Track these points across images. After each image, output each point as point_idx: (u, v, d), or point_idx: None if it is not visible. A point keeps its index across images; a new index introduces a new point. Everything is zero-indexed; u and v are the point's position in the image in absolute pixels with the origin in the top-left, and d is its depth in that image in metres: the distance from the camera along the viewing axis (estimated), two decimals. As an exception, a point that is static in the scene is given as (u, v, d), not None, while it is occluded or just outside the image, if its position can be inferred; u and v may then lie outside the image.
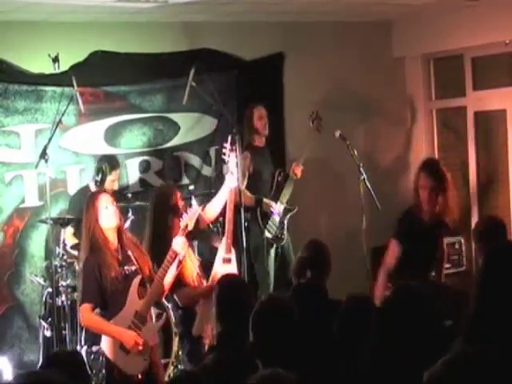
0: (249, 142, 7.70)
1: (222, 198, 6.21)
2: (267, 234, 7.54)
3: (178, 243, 5.45)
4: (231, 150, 6.13)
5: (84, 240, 5.42)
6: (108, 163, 7.25)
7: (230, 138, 6.25)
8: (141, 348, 5.29)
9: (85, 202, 5.61)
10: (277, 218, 7.56)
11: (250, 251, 7.47)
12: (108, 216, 5.40)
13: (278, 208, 7.56)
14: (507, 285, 3.66)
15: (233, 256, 6.12)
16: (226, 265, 5.96)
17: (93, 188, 7.22)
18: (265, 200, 7.55)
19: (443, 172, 6.38)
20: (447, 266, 8.49)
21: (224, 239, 6.11)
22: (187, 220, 5.51)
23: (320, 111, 8.01)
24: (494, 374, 2.23)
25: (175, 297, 5.93)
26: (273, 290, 7.48)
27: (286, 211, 7.66)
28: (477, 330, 3.33)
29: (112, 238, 5.42)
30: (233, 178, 6.08)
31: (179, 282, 5.80)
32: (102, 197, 5.46)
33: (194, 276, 5.97)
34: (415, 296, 3.11)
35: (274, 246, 7.66)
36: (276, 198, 7.62)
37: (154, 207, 6.07)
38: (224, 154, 6.18)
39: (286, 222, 7.66)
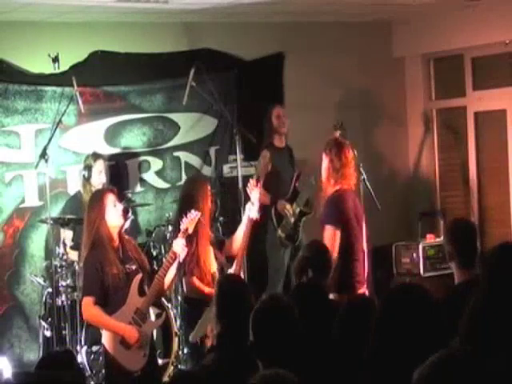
0: (269, 142, 7.75)
1: (244, 229, 6.07)
2: (280, 233, 7.56)
3: (178, 245, 5.46)
4: (255, 185, 6.07)
5: (86, 236, 5.43)
6: (91, 156, 7.28)
7: (254, 178, 6.25)
8: (139, 342, 5.33)
9: (91, 198, 5.65)
10: (291, 219, 7.57)
11: (266, 248, 7.67)
12: (116, 214, 5.43)
13: (292, 210, 7.57)
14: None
15: None
16: None
17: (82, 189, 7.22)
18: (280, 201, 7.55)
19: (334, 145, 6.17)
20: (444, 266, 8.50)
21: (234, 265, 6.01)
22: (187, 223, 5.52)
23: (320, 111, 8.02)
24: (484, 373, 2.24)
25: (183, 281, 5.92)
26: (283, 288, 7.50)
27: (301, 214, 7.64)
28: (476, 331, 3.33)
29: (115, 236, 5.45)
30: (253, 209, 6.00)
31: (190, 271, 5.79)
32: (110, 195, 5.48)
33: (209, 276, 5.92)
34: (415, 296, 3.10)
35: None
36: (293, 199, 7.62)
37: (182, 197, 6.17)
38: (247, 187, 6.14)
39: (301, 224, 7.64)
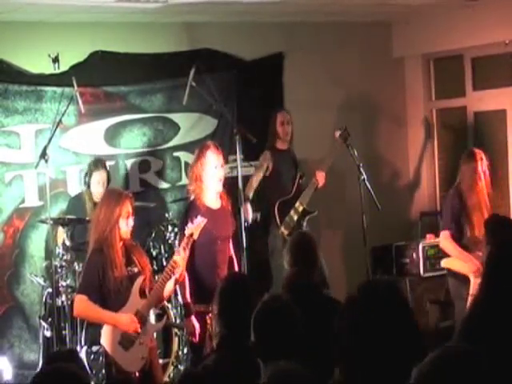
0: (272, 144, 7.81)
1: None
2: (283, 230, 7.58)
3: (181, 253, 5.44)
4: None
5: (96, 233, 5.40)
6: (92, 163, 7.22)
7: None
8: (138, 328, 5.32)
9: (109, 196, 5.60)
10: (295, 217, 7.58)
11: (268, 249, 7.69)
12: (128, 227, 5.42)
13: (295, 208, 7.61)
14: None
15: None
16: None
17: (84, 191, 7.19)
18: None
19: None
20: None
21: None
22: (192, 229, 5.49)
23: (320, 111, 8.01)
24: (483, 371, 2.24)
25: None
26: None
27: (305, 213, 7.66)
28: (474, 329, 3.32)
29: (124, 238, 5.44)
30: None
31: None
32: (130, 205, 5.45)
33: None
34: (384, 292, 3.00)
35: None
36: (295, 199, 7.65)
37: None
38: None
39: (304, 223, 7.66)
